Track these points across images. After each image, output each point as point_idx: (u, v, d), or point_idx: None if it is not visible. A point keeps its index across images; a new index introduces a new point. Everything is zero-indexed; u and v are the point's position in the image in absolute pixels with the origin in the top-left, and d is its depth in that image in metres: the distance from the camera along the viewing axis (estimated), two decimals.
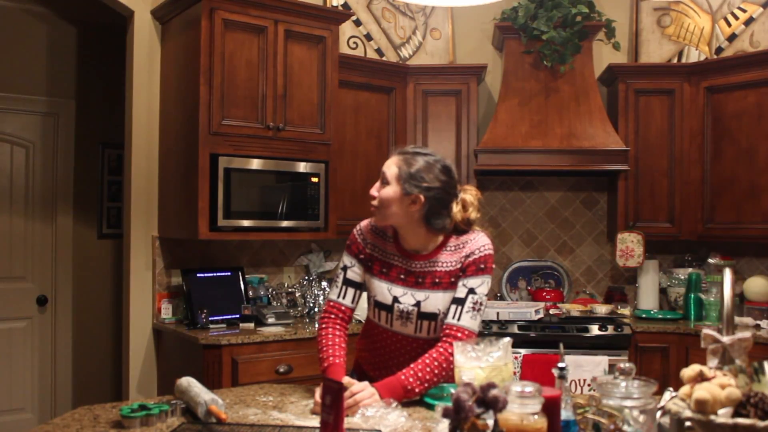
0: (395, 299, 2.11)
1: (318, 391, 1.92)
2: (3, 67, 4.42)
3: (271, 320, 3.57)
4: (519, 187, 4.66)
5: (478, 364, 1.80)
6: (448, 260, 2.09)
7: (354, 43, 4.43)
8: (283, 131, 3.63)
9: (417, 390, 1.98)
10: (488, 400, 1.29)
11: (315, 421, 1.79)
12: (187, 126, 3.50)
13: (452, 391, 1.79)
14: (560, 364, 1.52)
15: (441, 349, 2.03)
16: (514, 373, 3.26)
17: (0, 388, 4.34)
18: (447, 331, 2.06)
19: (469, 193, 2.11)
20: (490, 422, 1.31)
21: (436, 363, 2.00)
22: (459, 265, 2.08)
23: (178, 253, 3.81)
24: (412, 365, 2.02)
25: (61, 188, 4.62)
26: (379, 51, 4.52)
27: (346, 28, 4.33)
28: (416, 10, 4.67)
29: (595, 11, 4.35)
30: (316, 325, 2.16)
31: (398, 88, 4.28)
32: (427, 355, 2.03)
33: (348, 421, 1.76)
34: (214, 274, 3.75)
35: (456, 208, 2.08)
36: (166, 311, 3.71)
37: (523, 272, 4.62)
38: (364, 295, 2.26)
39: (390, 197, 2.04)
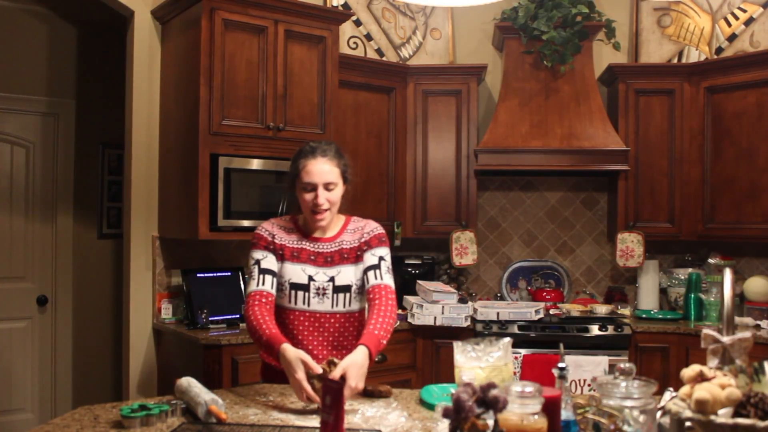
0: (310, 278, 2.26)
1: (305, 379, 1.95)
2: (3, 67, 4.42)
3: None
4: (519, 187, 4.66)
5: (478, 364, 1.81)
6: (350, 239, 2.31)
7: (354, 43, 4.43)
8: (283, 131, 3.63)
9: (385, 342, 2.10)
10: (488, 400, 1.29)
11: (315, 422, 1.80)
12: (187, 126, 3.50)
13: (452, 391, 1.79)
14: (560, 364, 1.52)
15: (384, 306, 2.16)
16: (514, 373, 3.26)
17: (0, 388, 4.34)
18: (375, 289, 2.21)
19: None
20: (490, 422, 1.31)
21: (387, 315, 2.14)
22: (361, 241, 2.29)
23: (178, 253, 3.81)
24: (372, 320, 2.11)
25: (61, 188, 4.62)
26: (379, 51, 4.52)
27: (346, 28, 4.33)
28: (416, 10, 4.67)
29: (595, 11, 4.35)
30: None
31: (398, 88, 4.28)
32: (377, 310, 2.15)
33: (348, 421, 1.76)
34: (214, 274, 3.75)
35: None
36: (166, 311, 3.71)
37: (523, 272, 4.62)
38: None
39: (339, 195, 2.27)
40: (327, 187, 2.22)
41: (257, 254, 2.28)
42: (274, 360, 2.22)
